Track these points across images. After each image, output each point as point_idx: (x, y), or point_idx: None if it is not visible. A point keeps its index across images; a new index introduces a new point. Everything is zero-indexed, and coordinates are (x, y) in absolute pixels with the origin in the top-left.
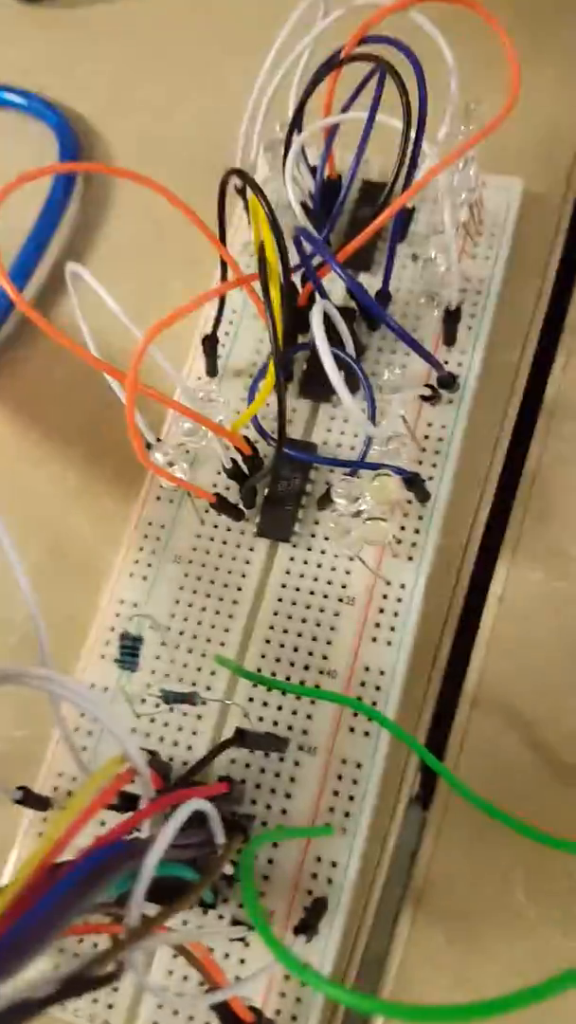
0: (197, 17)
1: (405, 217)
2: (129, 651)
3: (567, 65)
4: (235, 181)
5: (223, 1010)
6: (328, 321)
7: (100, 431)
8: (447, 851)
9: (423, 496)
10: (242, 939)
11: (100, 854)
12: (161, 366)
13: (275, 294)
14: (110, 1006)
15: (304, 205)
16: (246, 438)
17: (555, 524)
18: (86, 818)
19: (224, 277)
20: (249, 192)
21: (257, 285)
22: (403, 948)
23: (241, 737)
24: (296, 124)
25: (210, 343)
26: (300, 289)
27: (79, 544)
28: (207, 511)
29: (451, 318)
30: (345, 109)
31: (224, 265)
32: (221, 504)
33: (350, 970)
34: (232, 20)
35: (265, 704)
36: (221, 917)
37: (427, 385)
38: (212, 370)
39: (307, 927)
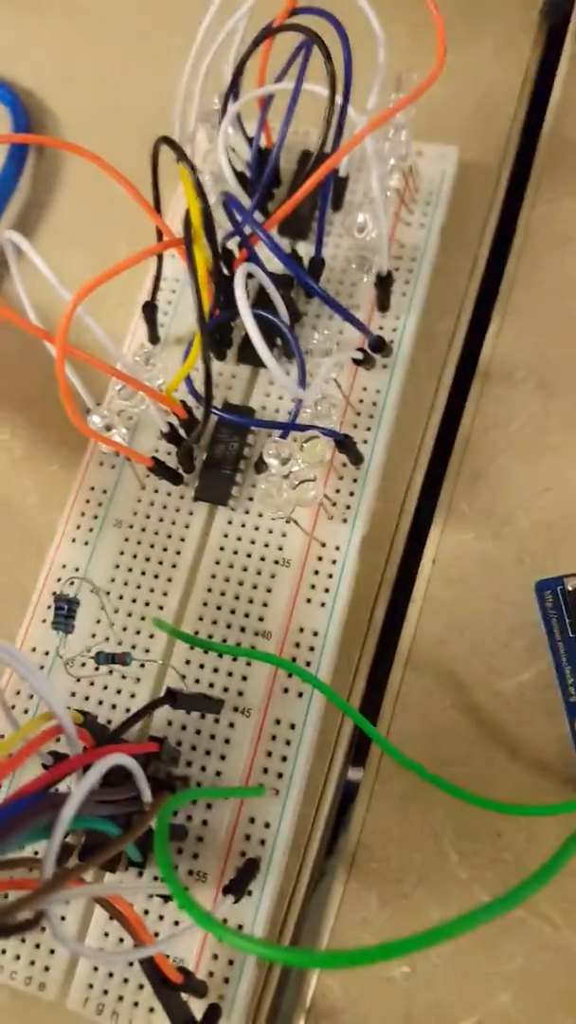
0: None
1: (339, 185)
2: (64, 613)
3: (504, 38)
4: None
5: (150, 968)
6: (265, 290)
7: (46, 401)
8: (379, 813)
9: (356, 458)
10: (167, 898)
11: (18, 803)
12: (114, 330)
13: (199, 257)
14: (46, 968)
15: (243, 175)
16: (183, 403)
17: (486, 486)
18: (8, 769)
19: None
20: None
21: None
22: (336, 910)
23: (172, 697)
24: (231, 94)
25: (150, 310)
26: (236, 256)
27: (25, 511)
28: (147, 476)
29: (383, 284)
30: (279, 80)
31: (159, 233)
32: (159, 468)
33: (285, 932)
34: None
35: (201, 666)
36: (156, 879)
37: (359, 349)
38: (154, 337)
39: (236, 888)
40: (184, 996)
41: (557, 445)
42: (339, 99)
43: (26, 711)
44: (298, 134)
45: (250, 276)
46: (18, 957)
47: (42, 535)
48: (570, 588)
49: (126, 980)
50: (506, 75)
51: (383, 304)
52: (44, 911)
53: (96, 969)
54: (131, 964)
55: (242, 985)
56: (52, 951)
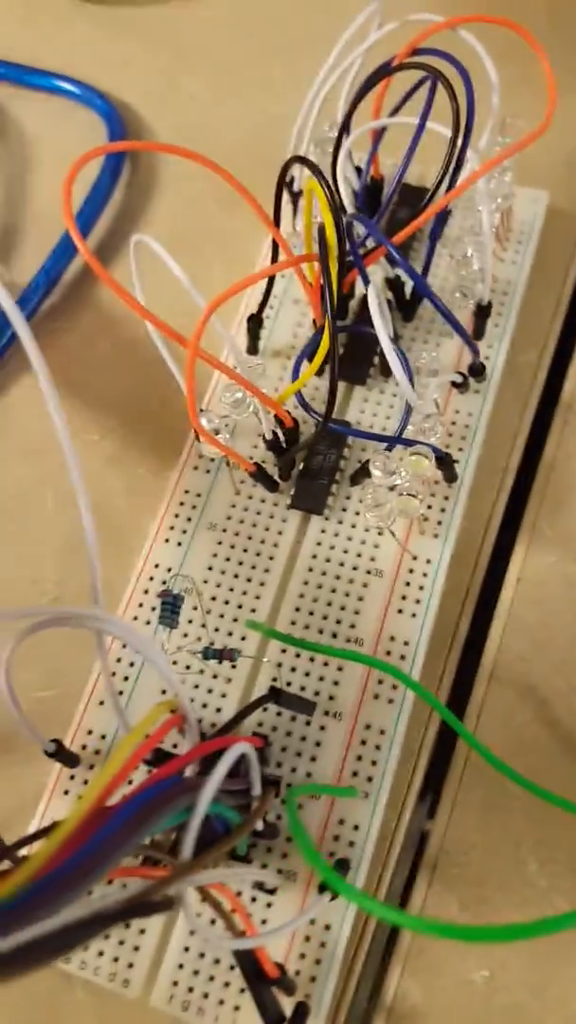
0: (239, 21)
1: (444, 217)
2: (170, 608)
3: None
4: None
5: (248, 961)
6: (365, 308)
7: (137, 403)
8: (461, 820)
9: (451, 476)
10: (270, 891)
11: (156, 788)
12: (216, 336)
13: (334, 271)
14: (130, 965)
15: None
16: (288, 412)
17: (569, 511)
18: (138, 757)
19: (275, 259)
20: (305, 178)
21: (306, 267)
22: (418, 912)
23: (276, 695)
24: (347, 125)
25: (255, 323)
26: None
27: (113, 513)
28: (242, 482)
29: (482, 313)
30: (392, 115)
31: (275, 248)
32: (259, 474)
33: (366, 932)
34: (272, 24)
35: (293, 670)
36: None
37: (458, 372)
38: (253, 349)
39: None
40: (272, 995)
41: None
42: (460, 139)
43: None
44: (387, 167)
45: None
46: (101, 954)
47: (130, 536)
48: None
49: (212, 978)
50: None
51: (479, 332)
52: (180, 894)
53: (181, 967)
54: (217, 962)
55: (327, 985)
56: (136, 948)
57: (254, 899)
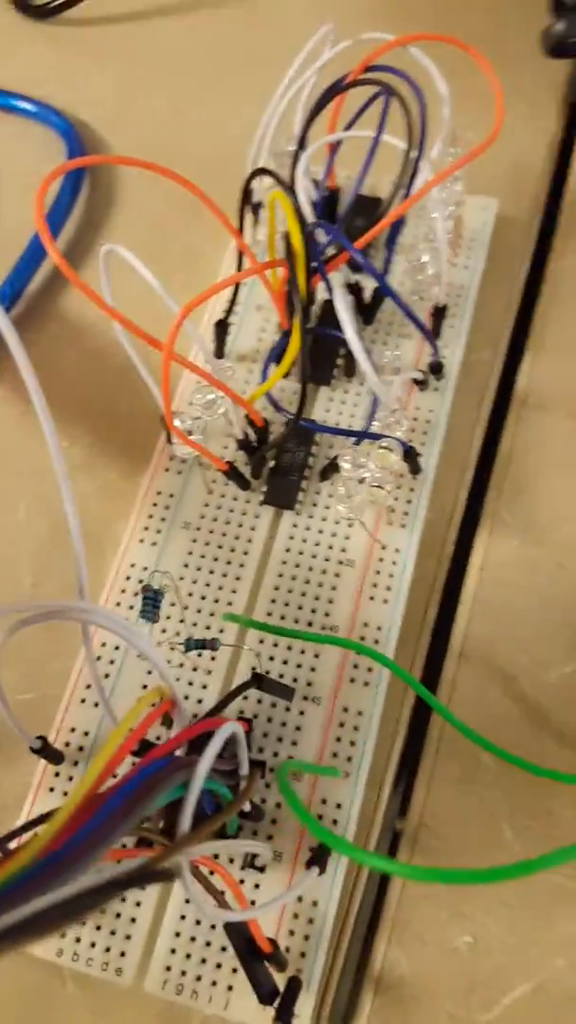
0: (195, 39)
1: (399, 225)
2: (151, 603)
3: (535, 103)
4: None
5: (240, 936)
6: (331, 311)
7: (105, 410)
8: (438, 794)
9: (416, 468)
10: (260, 869)
11: (152, 766)
12: (184, 341)
13: (301, 276)
14: (122, 953)
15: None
16: (258, 412)
17: (527, 499)
18: (134, 738)
19: (239, 268)
20: (264, 190)
21: (269, 274)
22: (400, 886)
23: (258, 680)
24: (303, 139)
25: (221, 328)
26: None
27: (84, 518)
28: (214, 481)
29: (438, 315)
30: (347, 129)
31: (240, 256)
32: (232, 473)
33: (352, 906)
34: (228, 42)
35: (272, 659)
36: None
37: (419, 370)
38: (219, 354)
39: (318, 862)
40: (265, 969)
41: None
42: (413, 151)
43: (83, 700)
44: (341, 179)
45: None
46: (93, 945)
47: (103, 539)
48: None
49: (204, 960)
50: (535, 142)
51: (436, 333)
52: (179, 865)
53: (173, 952)
54: (208, 944)
55: (317, 960)
56: (128, 936)
57: (242, 881)
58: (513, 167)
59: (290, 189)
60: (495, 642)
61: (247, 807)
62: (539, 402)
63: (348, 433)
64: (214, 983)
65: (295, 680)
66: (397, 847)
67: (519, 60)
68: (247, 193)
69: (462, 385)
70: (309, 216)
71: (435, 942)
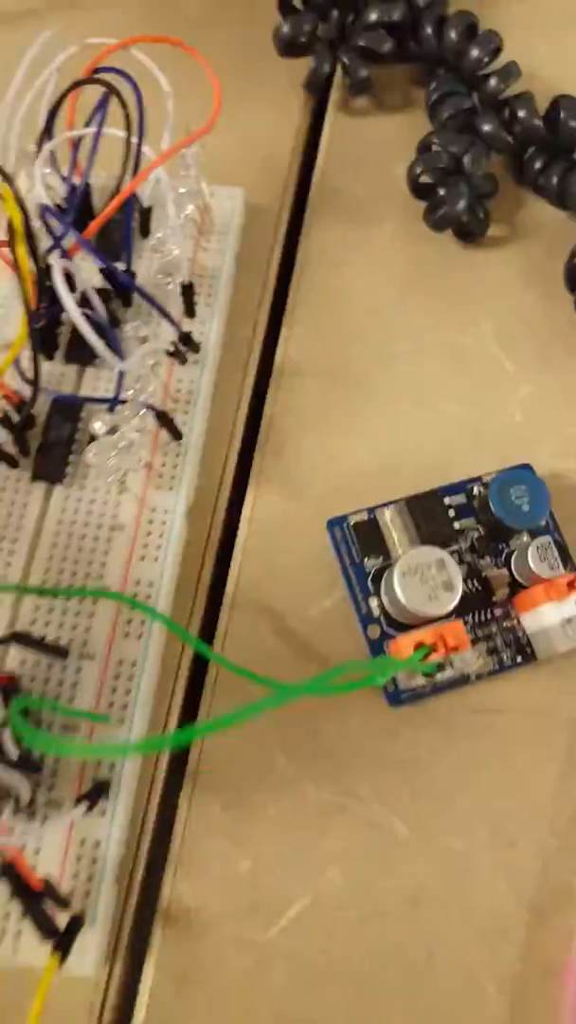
0: None
1: (144, 216)
2: None
3: (281, 100)
4: None
5: (14, 878)
6: (84, 297)
7: None
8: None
9: (176, 434)
10: (30, 811)
11: None
12: None
13: (21, 253)
14: None
15: (60, 207)
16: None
17: (285, 459)
18: None
19: None
20: None
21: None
22: (184, 820)
23: (18, 637)
24: (46, 137)
25: None
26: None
27: None
28: None
29: (186, 293)
30: (87, 127)
31: None
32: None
33: (142, 841)
34: None
35: (47, 624)
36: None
37: (172, 343)
38: None
39: (90, 798)
40: (50, 909)
41: (339, 425)
42: (134, 139)
43: None
44: (111, 179)
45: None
46: None
47: None
48: (352, 523)
49: None
50: (281, 136)
51: (190, 311)
52: None
53: None
54: None
55: (102, 897)
56: None
57: (25, 846)
58: (262, 160)
59: (8, 177)
60: (263, 586)
61: (13, 755)
62: (294, 369)
63: (98, 400)
64: (3, 931)
65: (71, 640)
66: (181, 784)
67: (264, 62)
68: None
69: (226, 359)
70: (49, 203)
71: (218, 871)
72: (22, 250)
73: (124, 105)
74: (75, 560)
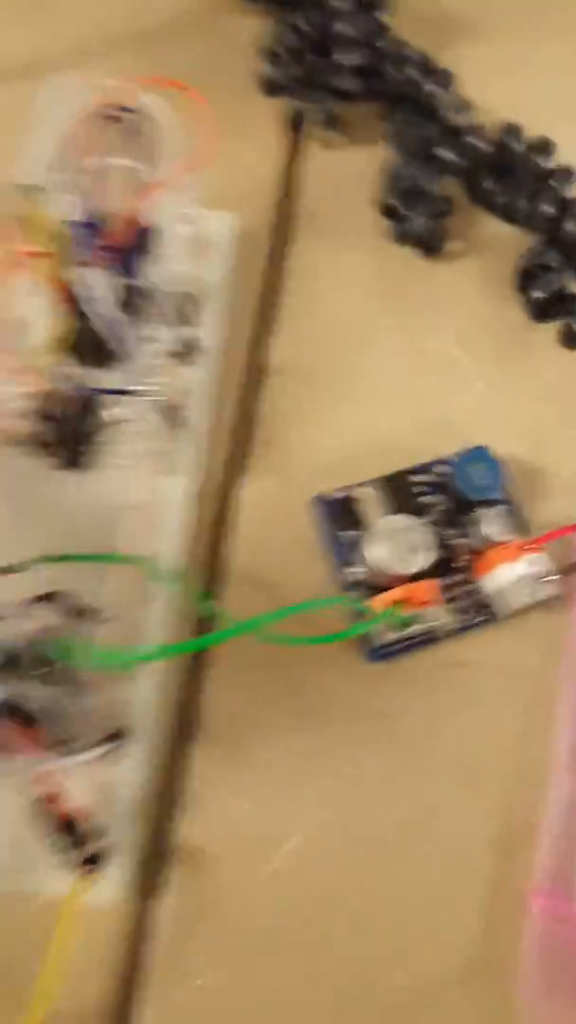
0: None
1: (145, 234)
2: None
3: (265, 135)
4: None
5: (44, 808)
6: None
7: None
8: (222, 684)
9: (175, 421)
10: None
11: None
12: None
13: (53, 266)
14: None
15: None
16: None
17: (274, 447)
18: None
19: None
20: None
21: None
22: (197, 767)
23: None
24: (61, 167)
25: None
26: None
27: None
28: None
29: (187, 302)
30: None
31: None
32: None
33: (155, 785)
34: None
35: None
36: None
37: (177, 345)
38: None
39: (111, 742)
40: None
41: (320, 417)
42: (142, 167)
43: None
44: (118, 201)
45: None
46: None
47: None
48: (332, 499)
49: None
50: (265, 167)
51: (190, 319)
52: None
53: None
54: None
55: (121, 835)
56: None
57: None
58: (249, 188)
59: (37, 201)
60: (256, 562)
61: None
62: (278, 371)
63: (111, 392)
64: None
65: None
66: (191, 734)
67: (250, 101)
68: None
69: (225, 361)
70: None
71: (224, 815)
72: (53, 264)
73: (133, 136)
74: (91, 537)
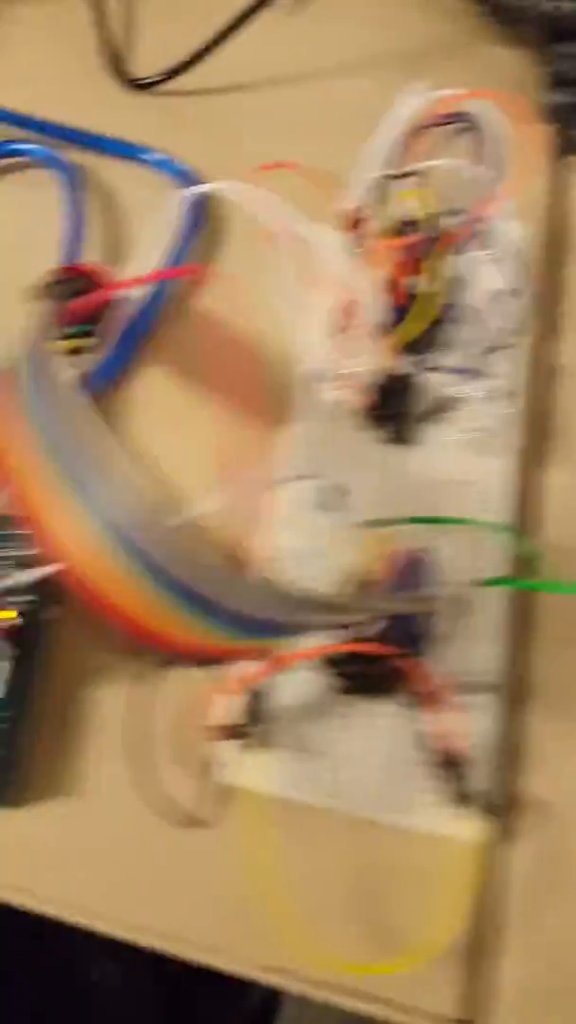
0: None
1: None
2: None
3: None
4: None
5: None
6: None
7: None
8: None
9: (504, 403)
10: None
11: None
12: None
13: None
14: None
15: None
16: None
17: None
18: None
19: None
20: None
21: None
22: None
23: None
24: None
25: None
26: None
27: None
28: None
29: (505, 296)
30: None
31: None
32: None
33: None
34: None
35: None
36: None
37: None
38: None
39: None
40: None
41: None
42: (485, 171)
43: None
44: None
45: None
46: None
47: None
48: None
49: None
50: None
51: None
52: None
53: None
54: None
55: (481, 777)
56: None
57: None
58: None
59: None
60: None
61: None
62: (572, 372)
63: (452, 371)
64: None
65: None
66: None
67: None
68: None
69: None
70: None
71: (563, 770)
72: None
73: (475, 142)
74: (419, 508)
